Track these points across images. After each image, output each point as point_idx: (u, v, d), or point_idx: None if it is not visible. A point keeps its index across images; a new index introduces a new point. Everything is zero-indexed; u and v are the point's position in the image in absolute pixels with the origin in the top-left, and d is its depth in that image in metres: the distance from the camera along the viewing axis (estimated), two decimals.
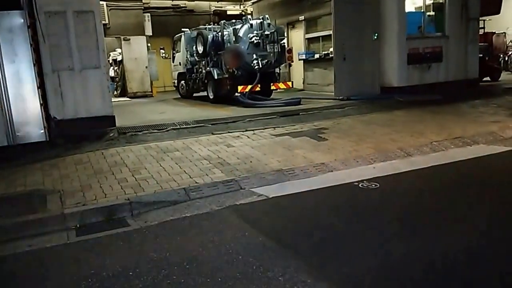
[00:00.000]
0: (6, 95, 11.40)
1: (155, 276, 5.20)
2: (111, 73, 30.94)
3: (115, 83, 30.34)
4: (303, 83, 24.75)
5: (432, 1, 20.62)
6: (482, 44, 23.02)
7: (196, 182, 8.69)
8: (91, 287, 5.13)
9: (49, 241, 6.67)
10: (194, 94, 24.66)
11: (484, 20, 25.13)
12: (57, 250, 6.34)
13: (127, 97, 28.07)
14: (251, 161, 9.96)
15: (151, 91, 28.87)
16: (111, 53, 30.44)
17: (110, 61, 30.89)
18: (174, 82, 27.29)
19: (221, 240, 6.17)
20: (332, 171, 9.45)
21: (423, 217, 6.78)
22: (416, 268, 5.14)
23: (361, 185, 8.43)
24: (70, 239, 6.74)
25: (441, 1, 20.35)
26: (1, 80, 11.37)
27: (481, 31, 24.16)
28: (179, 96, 26.13)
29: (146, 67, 28.27)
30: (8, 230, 6.98)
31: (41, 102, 11.80)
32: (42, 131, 11.85)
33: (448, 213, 6.91)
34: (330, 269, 5.23)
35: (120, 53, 28.71)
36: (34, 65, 11.63)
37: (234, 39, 19.45)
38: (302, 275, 5.02)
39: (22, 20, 11.49)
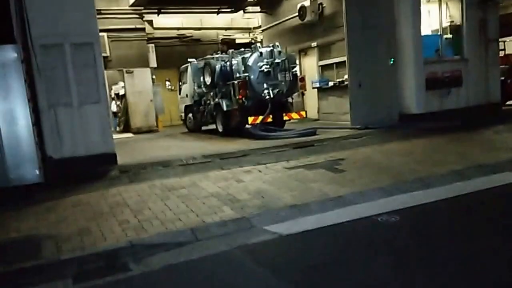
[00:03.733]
0: None
1: None
2: (113, 108, 30.85)
3: (118, 118, 30.24)
4: (318, 112, 24.58)
5: (449, 23, 20.47)
6: (503, 66, 22.80)
7: (203, 221, 8.48)
8: None
9: None
10: (203, 128, 24.60)
11: (504, 42, 24.98)
12: None
13: (131, 132, 27.89)
14: (263, 197, 9.77)
15: (157, 126, 28.72)
16: (113, 87, 30.43)
17: (112, 96, 30.85)
18: (181, 116, 27.15)
19: (231, 285, 5.95)
20: (350, 204, 9.25)
21: (445, 256, 6.48)
22: None
23: (380, 219, 8.25)
24: None
25: (458, 23, 20.23)
26: None
27: (501, 53, 23.99)
28: (187, 130, 26.01)
29: (151, 100, 28.15)
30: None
31: (37, 141, 11.69)
32: (38, 171, 11.71)
33: (472, 250, 6.66)
34: None
35: (122, 86, 28.60)
36: (28, 101, 11.55)
37: (243, 69, 19.29)
38: None
39: (16, 55, 11.46)
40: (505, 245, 6.73)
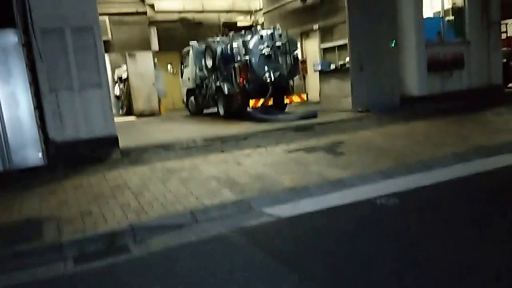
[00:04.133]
0: (1, 118, 11.38)
1: None
2: (116, 91, 30.85)
3: (121, 102, 30.24)
4: (320, 95, 24.57)
5: (451, 6, 20.41)
6: (505, 48, 22.77)
7: (203, 204, 8.51)
8: None
9: (44, 272, 6.50)
10: (204, 111, 24.60)
11: (506, 24, 24.95)
12: (52, 282, 6.18)
13: (134, 116, 27.92)
14: (262, 180, 9.80)
15: (159, 109, 28.73)
16: (116, 70, 30.42)
17: (115, 79, 30.86)
18: (183, 99, 27.18)
19: (228, 266, 6.00)
20: (349, 187, 9.27)
21: (444, 239, 6.51)
22: None
23: (379, 201, 8.24)
24: (67, 270, 6.57)
25: (460, 6, 20.17)
26: None
27: (503, 35, 23.96)
28: (189, 114, 26.05)
29: (153, 84, 28.14)
30: (0, 261, 6.84)
31: (39, 124, 11.74)
32: (41, 155, 11.78)
33: (470, 232, 6.71)
34: None
35: (125, 70, 28.59)
36: (30, 85, 11.60)
37: (244, 52, 19.30)
38: None
39: (17, 39, 11.49)
40: (504, 225, 6.79)
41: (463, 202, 8.06)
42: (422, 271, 5.47)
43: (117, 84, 31.03)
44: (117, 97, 30.94)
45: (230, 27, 31.49)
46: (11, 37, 11.44)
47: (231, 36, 21.16)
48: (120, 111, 29.92)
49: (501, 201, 7.93)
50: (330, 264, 5.87)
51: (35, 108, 11.68)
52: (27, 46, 11.53)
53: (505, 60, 21.86)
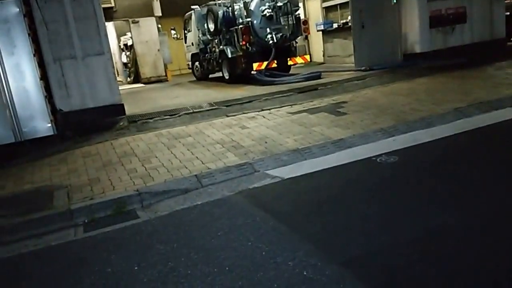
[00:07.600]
0: (8, 89, 11.50)
1: (160, 269, 5.25)
2: (123, 58, 30.86)
3: (128, 69, 30.26)
4: (323, 55, 24.56)
5: None
6: (508, 1, 22.57)
7: (208, 168, 8.71)
8: (94, 285, 5.19)
9: (55, 239, 6.74)
10: (210, 76, 24.56)
11: None
12: (63, 248, 6.40)
13: (141, 83, 27.94)
14: (266, 142, 9.97)
15: (166, 75, 28.73)
16: (122, 38, 30.41)
17: (122, 46, 30.87)
18: (188, 64, 27.18)
19: (231, 227, 6.19)
20: (350, 146, 9.42)
21: (439, 191, 6.68)
22: (431, 248, 5.10)
23: (379, 159, 8.39)
24: (77, 236, 6.81)
25: None
26: (2, 73, 11.44)
27: None
28: (195, 79, 26.07)
29: (158, 50, 28.11)
30: (14, 230, 7.08)
31: (45, 94, 11.88)
32: (49, 124, 11.94)
33: (465, 184, 6.87)
34: (341, 252, 5.22)
35: (130, 37, 28.57)
36: (33, 55, 11.69)
37: (245, 14, 19.25)
38: (311, 259, 5.03)
39: (18, 9, 11.52)
40: (502, 177, 6.93)
41: (462, 157, 8.18)
42: (413, 223, 5.70)
43: (123, 52, 31.05)
44: (125, 65, 30.98)
45: None
46: (12, 8, 11.47)
47: None
48: (128, 78, 29.95)
49: (499, 154, 8.06)
50: (328, 222, 6.05)
51: (40, 79, 11.79)
52: (28, 16, 11.58)
53: (508, 13, 21.65)
